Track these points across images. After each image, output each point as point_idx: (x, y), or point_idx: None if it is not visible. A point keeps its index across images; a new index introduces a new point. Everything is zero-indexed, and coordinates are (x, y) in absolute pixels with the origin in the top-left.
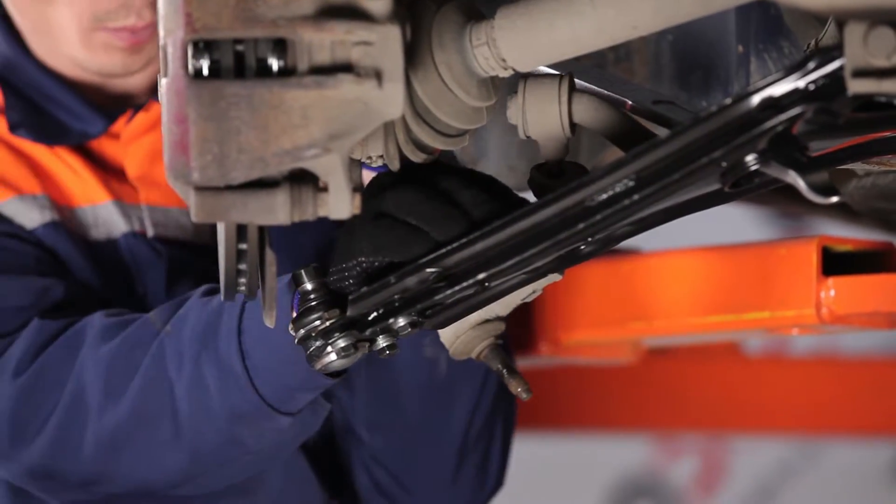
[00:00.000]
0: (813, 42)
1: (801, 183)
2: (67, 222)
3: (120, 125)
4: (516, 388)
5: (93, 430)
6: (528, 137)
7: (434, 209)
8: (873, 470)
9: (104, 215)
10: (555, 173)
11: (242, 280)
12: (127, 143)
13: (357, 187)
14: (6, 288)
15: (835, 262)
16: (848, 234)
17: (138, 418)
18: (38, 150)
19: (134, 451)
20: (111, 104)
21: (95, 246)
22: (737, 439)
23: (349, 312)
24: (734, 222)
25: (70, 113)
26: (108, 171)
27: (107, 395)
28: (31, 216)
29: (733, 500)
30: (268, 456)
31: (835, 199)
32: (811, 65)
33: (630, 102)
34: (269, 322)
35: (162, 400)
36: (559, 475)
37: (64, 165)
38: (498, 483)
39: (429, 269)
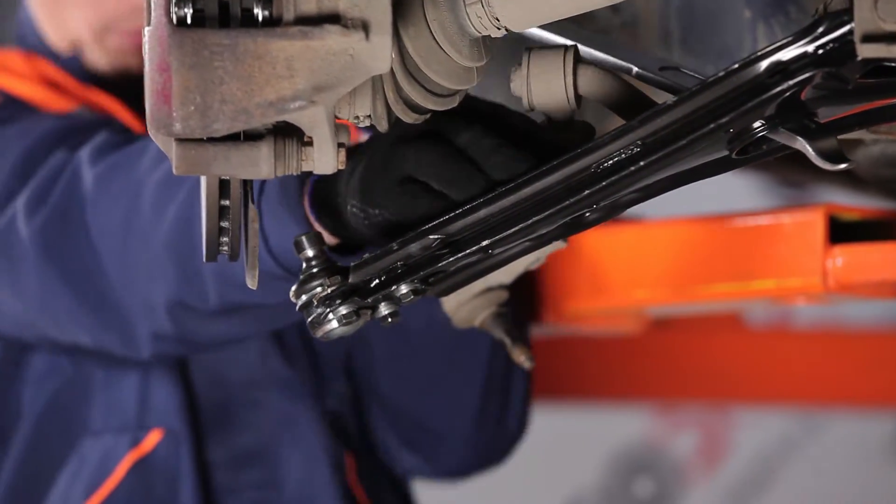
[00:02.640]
0: (821, 6)
1: (809, 150)
2: None
3: None
4: (519, 357)
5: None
6: (532, 109)
7: (454, 171)
8: (876, 443)
9: None
10: (561, 129)
11: (225, 239)
12: None
13: (342, 143)
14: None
15: (841, 231)
16: (854, 203)
17: (174, 250)
18: (87, 93)
19: (169, 278)
20: None
21: None
22: (738, 412)
23: (351, 279)
24: (739, 191)
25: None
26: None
27: (153, 219)
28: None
29: (734, 474)
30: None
31: (844, 165)
32: (820, 29)
33: (636, 69)
34: (252, 283)
35: (193, 240)
36: (558, 448)
37: (111, 107)
38: (521, 425)
39: (432, 236)
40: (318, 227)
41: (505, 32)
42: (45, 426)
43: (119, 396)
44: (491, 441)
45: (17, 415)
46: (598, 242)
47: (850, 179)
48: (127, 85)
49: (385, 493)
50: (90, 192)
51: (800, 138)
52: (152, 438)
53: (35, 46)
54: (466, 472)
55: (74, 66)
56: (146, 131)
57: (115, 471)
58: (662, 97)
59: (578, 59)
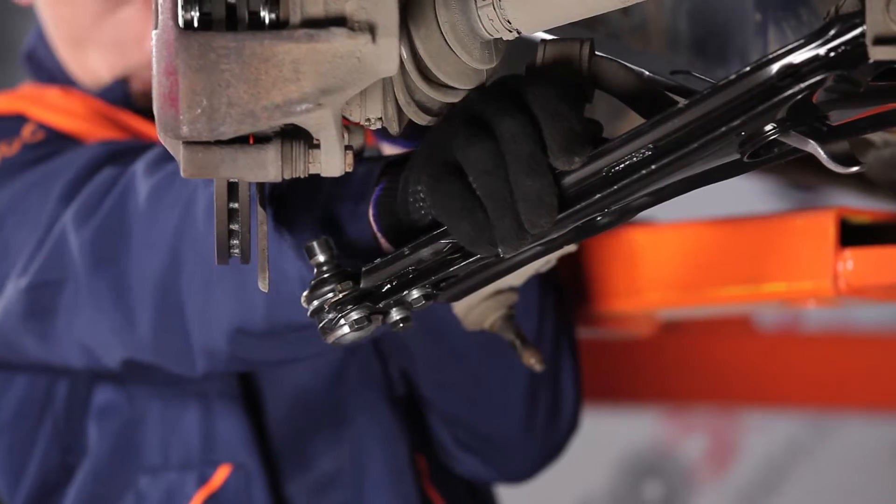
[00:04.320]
0: (833, 9)
1: (821, 153)
2: None
3: None
4: (529, 360)
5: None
6: None
7: (494, 190)
8: (886, 448)
9: None
10: None
11: (235, 242)
12: None
13: (350, 146)
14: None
15: (852, 234)
16: (865, 206)
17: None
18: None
19: (225, 291)
20: None
21: None
22: (748, 415)
23: (362, 284)
24: (750, 194)
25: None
26: None
27: (206, 231)
28: None
29: (743, 477)
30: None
31: (855, 168)
32: (832, 32)
33: (647, 73)
34: (263, 286)
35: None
36: (567, 451)
37: (151, 134)
38: (573, 420)
39: (443, 241)
40: (383, 241)
41: (516, 35)
42: (105, 463)
43: (179, 432)
44: (546, 438)
45: (84, 450)
46: (609, 246)
47: (862, 182)
48: None
49: (460, 496)
50: (143, 202)
51: (811, 141)
52: (221, 474)
53: (66, 81)
54: (528, 474)
55: (116, 95)
56: None
57: None
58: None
59: (593, 52)
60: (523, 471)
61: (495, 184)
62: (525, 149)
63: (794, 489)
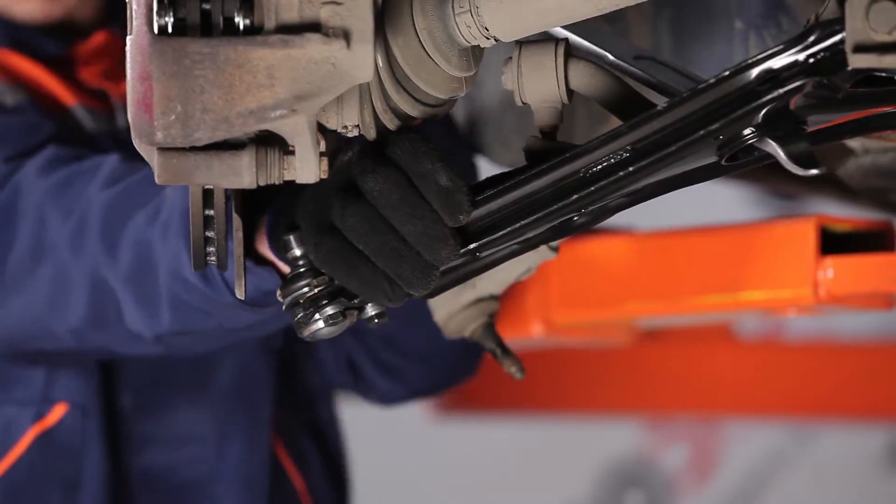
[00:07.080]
0: (813, 16)
1: (781, 154)
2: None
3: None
4: (510, 368)
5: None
6: (524, 104)
7: (380, 246)
8: (867, 456)
9: (79, 115)
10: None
11: (211, 249)
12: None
13: (325, 152)
14: (14, 119)
15: (832, 242)
16: (845, 214)
17: (127, 275)
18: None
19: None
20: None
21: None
22: (729, 424)
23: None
24: (730, 201)
25: (22, 38)
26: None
27: (104, 247)
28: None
29: (725, 487)
30: (222, 332)
31: (815, 171)
32: (811, 38)
33: (611, 56)
34: (240, 293)
35: (149, 261)
36: (549, 461)
37: (35, 75)
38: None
39: None
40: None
41: (494, 42)
42: None
43: (25, 370)
44: (464, 357)
45: None
46: (589, 254)
47: (842, 190)
48: (59, 37)
49: (306, 445)
50: (36, 204)
51: (771, 141)
52: (57, 412)
53: None
54: (440, 389)
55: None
56: (70, 99)
57: (17, 443)
58: (655, 94)
59: (569, 53)
60: (439, 387)
61: (376, 240)
62: (394, 196)
63: (776, 499)
